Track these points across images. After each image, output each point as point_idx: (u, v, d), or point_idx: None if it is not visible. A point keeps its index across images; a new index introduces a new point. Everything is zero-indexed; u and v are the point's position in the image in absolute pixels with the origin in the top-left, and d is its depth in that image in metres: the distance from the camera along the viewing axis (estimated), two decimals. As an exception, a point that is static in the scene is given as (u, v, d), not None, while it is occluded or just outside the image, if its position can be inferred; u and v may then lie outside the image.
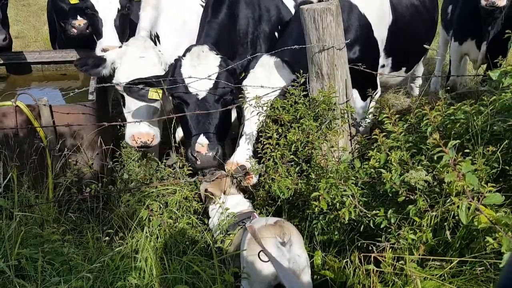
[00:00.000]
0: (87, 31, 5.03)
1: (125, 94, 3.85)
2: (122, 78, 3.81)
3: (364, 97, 4.09)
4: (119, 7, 4.70)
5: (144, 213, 2.97)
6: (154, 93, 3.56)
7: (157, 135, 3.90)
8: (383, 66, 4.49)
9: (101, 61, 3.96)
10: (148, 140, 3.81)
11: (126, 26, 4.83)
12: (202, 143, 3.33)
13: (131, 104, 3.91)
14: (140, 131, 3.81)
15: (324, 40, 3.20)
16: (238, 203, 3.19)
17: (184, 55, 3.60)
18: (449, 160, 1.65)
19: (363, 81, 3.84)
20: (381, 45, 4.31)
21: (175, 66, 3.57)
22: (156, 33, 4.59)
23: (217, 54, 3.56)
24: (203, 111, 3.40)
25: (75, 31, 5.07)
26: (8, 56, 5.69)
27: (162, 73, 3.75)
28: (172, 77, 3.52)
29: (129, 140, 3.89)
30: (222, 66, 3.50)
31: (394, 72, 4.55)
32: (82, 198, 3.70)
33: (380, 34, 4.28)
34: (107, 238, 2.96)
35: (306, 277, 2.37)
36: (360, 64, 3.60)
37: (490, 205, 1.75)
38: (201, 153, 3.35)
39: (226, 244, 2.85)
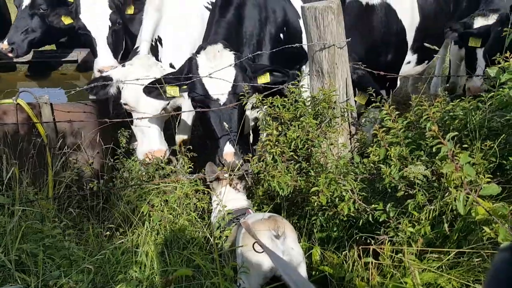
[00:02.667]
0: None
1: (132, 112, 3.95)
2: (129, 98, 3.90)
3: (388, 94, 4.54)
4: (110, 24, 4.80)
5: (145, 208, 2.99)
6: (171, 90, 3.62)
7: (167, 149, 4.03)
8: (408, 62, 4.84)
9: (108, 80, 4.01)
10: (161, 156, 3.89)
11: (120, 40, 4.94)
12: (228, 152, 3.41)
13: (139, 121, 3.94)
14: (152, 148, 3.92)
15: (325, 39, 3.23)
16: (234, 199, 3.21)
17: (198, 52, 3.58)
18: (447, 152, 1.68)
19: (389, 81, 4.25)
20: (409, 45, 4.65)
21: (191, 65, 3.57)
22: (158, 36, 4.64)
23: (230, 51, 3.55)
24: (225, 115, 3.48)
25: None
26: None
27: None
28: (189, 77, 3.54)
29: (141, 157, 3.95)
30: (237, 65, 3.50)
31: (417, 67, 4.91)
32: (82, 196, 3.73)
33: (410, 36, 4.62)
34: (108, 233, 2.97)
35: (302, 269, 2.40)
36: (360, 63, 3.65)
37: (487, 197, 1.77)
38: (228, 160, 3.40)
39: (223, 240, 2.88)
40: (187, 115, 4.84)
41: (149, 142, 3.94)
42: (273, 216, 2.61)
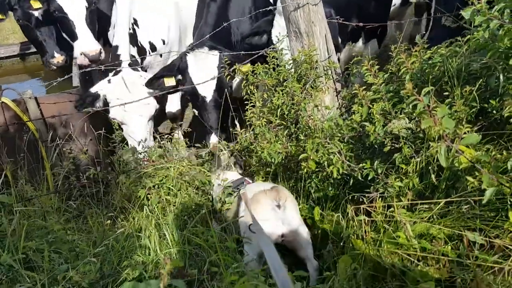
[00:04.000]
0: (66, 64, 5.18)
1: (122, 126, 4.19)
2: (117, 115, 4.11)
3: (380, 45, 4.83)
4: (87, 5, 4.68)
5: (142, 192, 3.03)
6: (169, 81, 4.03)
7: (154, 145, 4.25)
8: (394, 5, 5.12)
9: (96, 97, 4.18)
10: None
11: (95, 21, 4.83)
12: (213, 141, 3.88)
13: (127, 130, 4.21)
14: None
15: (298, -3, 3.16)
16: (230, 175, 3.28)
17: (188, 52, 4.02)
18: (424, 107, 1.68)
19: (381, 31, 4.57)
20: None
21: (182, 66, 4.00)
22: (134, 18, 4.57)
23: (215, 51, 3.96)
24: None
25: (55, 68, 5.21)
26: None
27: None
28: (181, 73, 4.04)
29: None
30: (221, 64, 3.89)
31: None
32: (82, 185, 3.76)
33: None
34: (109, 221, 3.02)
35: (302, 234, 2.47)
36: (338, 17, 3.59)
37: (470, 144, 1.78)
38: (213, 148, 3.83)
39: (224, 212, 2.94)
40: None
41: (139, 144, 4.16)
42: (275, 187, 2.70)
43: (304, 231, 2.53)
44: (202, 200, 3.19)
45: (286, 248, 2.57)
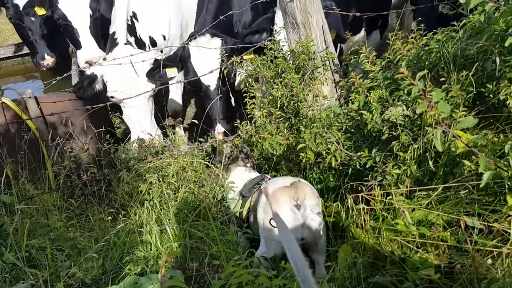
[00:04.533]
0: (56, 66, 5.17)
1: (121, 105, 4.12)
2: (115, 93, 4.04)
3: (381, 36, 4.81)
4: (91, 13, 4.67)
5: (143, 186, 3.03)
6: (171, 71, 3.99)
7: (160, 135, 4.22)
8: None
9: (93, 78, 4.12)
10: (157, 142, 4.06)
11: (99, 28, 4.83)
12: (219, 131, 3.89)
13: (128, 111, 4.16)
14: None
15: (294, -12, 3.14)
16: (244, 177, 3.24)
17: (190, 40, 3.95)
18: (419, 91, 1.66)
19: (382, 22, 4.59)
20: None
21: (184, 55, 3.95)
22: (133, 12, 4.56)
23: (218, 38, 3.91)
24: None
25: (45, 69, 5.21)
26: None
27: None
28: (184, 65, 3.97)
29: (135, 144, 4.09)
30: (225, 51, 3.82)
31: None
32: (83, 183, 3.77)
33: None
34: (109, 217, 3.03)
35: (321, 240, 2.37)
36: (335, 7, 3.57)
37: (467, 128, 1.77)
38: (219, 137, 3.82)
39: (237, 208, 2.90)
40: (175, 89, 4.89)
41: (142, 132, 4.12)
42: (295, 183, 2.51)
43: (324, 236, 2.39)
44: (202, 195, 3.19)
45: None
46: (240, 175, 3.14)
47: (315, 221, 2.37)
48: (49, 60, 5.32)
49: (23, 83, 6.22)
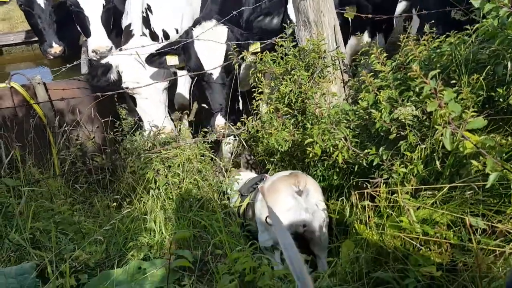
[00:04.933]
0: (63, 55, 5.17)
1: (135, 95, 4.06)
2: (130, 83, 3.99)
3: (386, 40, 4.71)
4: (104, 3, 4.69)
5: (150, 173, 3.06)
6: (171, 59, 3.81)
7: (173, 128, 4.16)
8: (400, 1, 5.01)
9: (108, 67, 4.09)
10: (170, 134, 4.02)
11: (110, 19, 4.86)
12: (219, 123, 3.64)
13: (142, 103, 4.11)
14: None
15: (308, -14, 3.17)
16: (247, 175, 3.30)
17: (194, 26, 3.78)
18: (430, 90, 1.69)
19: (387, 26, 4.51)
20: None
21: (187, 38, 3.76)
22: (147, 4, 4.59)
23: (223, 26, 3.74)
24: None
25: (52, 58, 5.22)
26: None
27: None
28: (186, 51, 3.75)
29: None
30: (229, 39, 3.69)
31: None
32: (88, 170, 3.80)
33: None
34: (115, 204, 3.05)
35: (324, 226, 2.38)
36: (346, 8, 3.59)
37: (477, 130, 1.79)
38: (218, 130, 3.63)
39: (237, 203, 2.93)
40: (183, 83, 4.90)
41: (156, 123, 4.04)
42: (293, 172, 2.55)
43: (326, 228, 2.40)
44: (206, 187, 3.22)
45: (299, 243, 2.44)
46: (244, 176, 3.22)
47: (320, 204, 2.38)
48: (56, 48, 5.33)
49: (31, 70, 6.25)
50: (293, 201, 2.36)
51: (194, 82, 3.87)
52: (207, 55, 3.68)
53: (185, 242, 2.47)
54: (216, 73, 3.67)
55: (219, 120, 3.61)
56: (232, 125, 3.54)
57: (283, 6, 3.83)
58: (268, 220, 2.35)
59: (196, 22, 3.80)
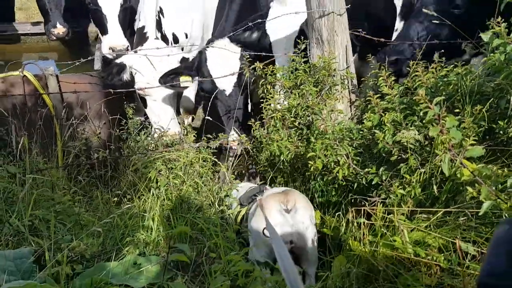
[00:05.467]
0: (66, 38, 5.23)
1: (146, 97, 4.15)
2: (143, 84, 4.07)
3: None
4: (122, 2, 4.78)
5: (153, 173, 3.11)
6: (185, 80, 3.95)
7: (180, 130, 4.21)
8: (396, 29, 4.79)
9: (123, 67, 4.17)
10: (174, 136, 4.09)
11: (127, 18, 4.94)
12: (232, 138, 3.76)
13: (152, 104, 4.21)
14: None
15: (324, 6, 3.24)
16: (247, 184, 3.36)
17: (207, 46, 3.96)
18: (434, 115, 1.74)
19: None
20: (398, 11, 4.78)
21: (201, 59, 3.93)
22: (160, 7, 4.68)
23: (236, 45, 3.86)
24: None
25: (54, 38, 5.28)
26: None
27: None
28: (199, 70, 3.92)
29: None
30: (243, 56, 3.83)
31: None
32: (91, 165, 3.85)
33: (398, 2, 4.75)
34: (115, 199, 3.10)
35: (312, 246, 2.41)
36: (360, 30, 3.66)
37: (476, 159, 1.85)
38: (232, 147, 3.74)
39: (235, 212, 2.98)
40: (189, 89, 4.97)
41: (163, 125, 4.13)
42: (286, 190, 2.62)
43: (315, 244, 2.43)
44: (206, 191, 3.27)
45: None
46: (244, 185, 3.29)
47: (306, 224, 2.43)
48: (60, 29, 5.34)
49: (43, 61, 6.33)
50: (280, 218, 2.41)
51: (205, 99, 4.00)
52: (219, 74, 3.82)
53: (182, 241, 2.51)
54: (229, 89, 3.84)
55: (232, 137, 3.74)
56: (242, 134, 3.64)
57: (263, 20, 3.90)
58: (265, 231, 2.39)
59: (209, 41, 3.97)
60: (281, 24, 3.76)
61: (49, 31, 5.36)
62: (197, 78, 3.95)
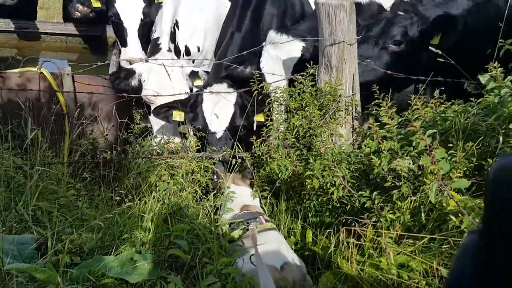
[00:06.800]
0: (91, 15, 5.41)
1: (151, 104, 4.28)
2: (150, 92, 4.21)
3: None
4: (142, 17, 5.00)
5: (153, 177, 3.22)
6: (177, 115, 4.05)
7: (180, 141, 4.30)
8: None
9: (131, 73, 4.34)
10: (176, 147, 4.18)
11: (147, 33, 5.16)
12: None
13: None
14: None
15: (336, 35, 3.39)
16: (242, 193, 3.43)
17: (205, 87, 4.09)
18: (425, 146, 1.86)
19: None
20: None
21: (197, 100, 4.03)
22: (176, 20, 4.87)
23: (234, 89, 4.00)
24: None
25: (79, 14, 5.47)
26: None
27: (186, 87, 4.35)
28: (194, 110, 4.01)
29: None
30: (237, 103, 3.97)
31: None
32: (96, 164, 3.97)
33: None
34: (118, 198, 3.21)
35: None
36: (369, 60, 3.81)
37: (464, 191, 1.96)
38: (213, 179, 3.71)
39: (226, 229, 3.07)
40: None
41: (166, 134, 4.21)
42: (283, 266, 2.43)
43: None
44: (206, 199, 3.37)
45: None
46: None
47: None
48: (83, 8, 5.59)
49: (60, 61, 6.52)
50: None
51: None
52: (214, 118, 3.91)
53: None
54: (220, 132, 3.93)
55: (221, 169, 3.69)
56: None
57: (257, 57, 4.01)
58: (252, 258, 2.41)
59: (207, 85, 4.08)
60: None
61: (75, 7, 5.56)
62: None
